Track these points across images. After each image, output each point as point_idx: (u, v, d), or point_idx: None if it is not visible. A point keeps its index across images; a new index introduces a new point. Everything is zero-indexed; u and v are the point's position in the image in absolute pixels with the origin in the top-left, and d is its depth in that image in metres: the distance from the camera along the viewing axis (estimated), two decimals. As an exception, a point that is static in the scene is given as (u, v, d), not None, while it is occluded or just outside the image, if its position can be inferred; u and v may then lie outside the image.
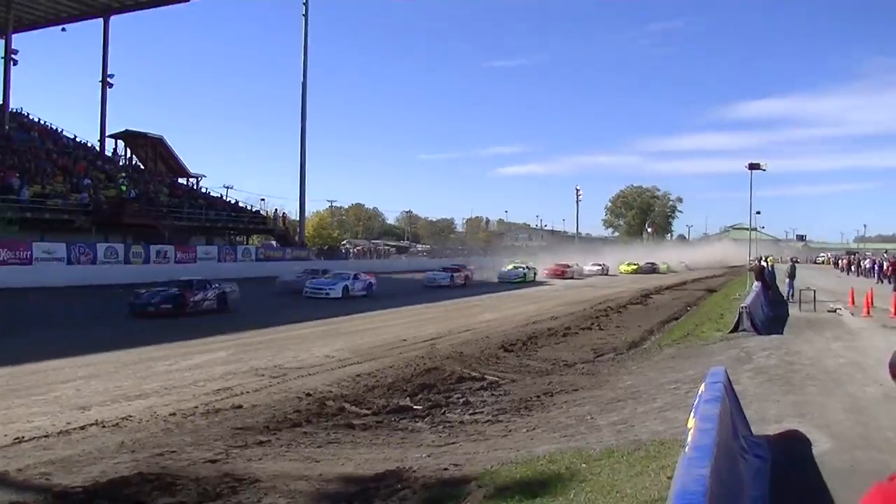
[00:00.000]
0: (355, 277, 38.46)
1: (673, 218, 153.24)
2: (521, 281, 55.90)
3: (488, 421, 11.41)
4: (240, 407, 12.23)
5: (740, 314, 19.67)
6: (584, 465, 7.42)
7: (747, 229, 54.77)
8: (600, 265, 77.32)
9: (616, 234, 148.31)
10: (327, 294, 35.77)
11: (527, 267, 60.33)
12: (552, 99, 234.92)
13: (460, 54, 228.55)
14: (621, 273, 79.62)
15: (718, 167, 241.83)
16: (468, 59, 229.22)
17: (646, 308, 35.44)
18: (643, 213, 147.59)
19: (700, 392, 6.27)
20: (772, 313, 23.94)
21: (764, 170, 35.56)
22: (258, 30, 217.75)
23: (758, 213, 50.82)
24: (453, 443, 9.82)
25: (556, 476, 7.16)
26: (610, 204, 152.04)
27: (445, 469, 8.08)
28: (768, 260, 54.75)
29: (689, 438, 4.57)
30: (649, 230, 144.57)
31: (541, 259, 71.91)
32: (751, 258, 44.29)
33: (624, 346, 20.98)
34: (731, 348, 16.54)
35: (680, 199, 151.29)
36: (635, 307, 35.60)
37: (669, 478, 5.72)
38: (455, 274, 49.99)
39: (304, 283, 38.25)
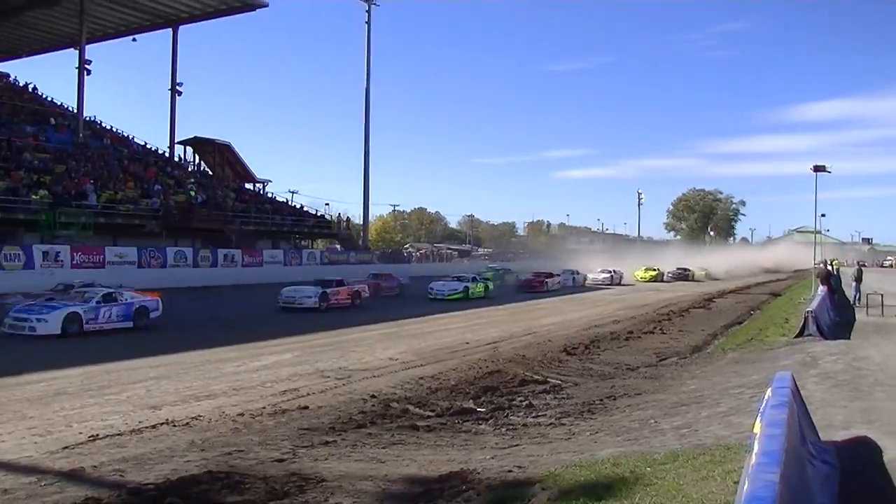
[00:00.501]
0: (108, 299, 23.07)
1: (735, 221, 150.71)
2: (460, 298, 39.29)
3: (551, 424, 11.41)
4: (306, 408, 12.42)
5: (806, 318, 19.32)
6: (648, 468, 7.39)
7: (811, 232, 53.48)
8: (610, 272, 62.70)
9: (678, 237, 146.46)
10: (33, 329, 20.84)
11: (475, 278, 43.42)
12: (614, 102, 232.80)
13: (522, 58, 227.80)
14: (637, 281, 66.16)
15: (782, 169, 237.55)
16: (530, 63, 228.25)
17: (708, 312, 35.03)
18: (705, 217, 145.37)
19: (766, 397, 6.24)
20: (838, 318, 23.47)
21: (829, 172, 34.90)
22: (322, 36, 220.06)
23: (822, 215, 49.50)
24: (516, 445, 9.85)
25: (620, 479, 7.14)
26: (672, 207, 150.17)
27: (509, 471, 8.11)
28: (833, 263, 53.55)
29: (757, 443, 4.58)
30: (711, 233, 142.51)
31: (597, 262, 68.20)
32: (816, 262, 43.46)
33: (687, 350, 20.79)
34: (796, 353, 16.27)
35: (743, 203, 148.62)
36: (698, 311, 35.21)
37: (736, 483, 5.72)
38: (330, 290, 33.03)
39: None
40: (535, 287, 48.73)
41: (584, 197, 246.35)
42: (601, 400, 13.18)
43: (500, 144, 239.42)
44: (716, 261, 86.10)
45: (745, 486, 3.66)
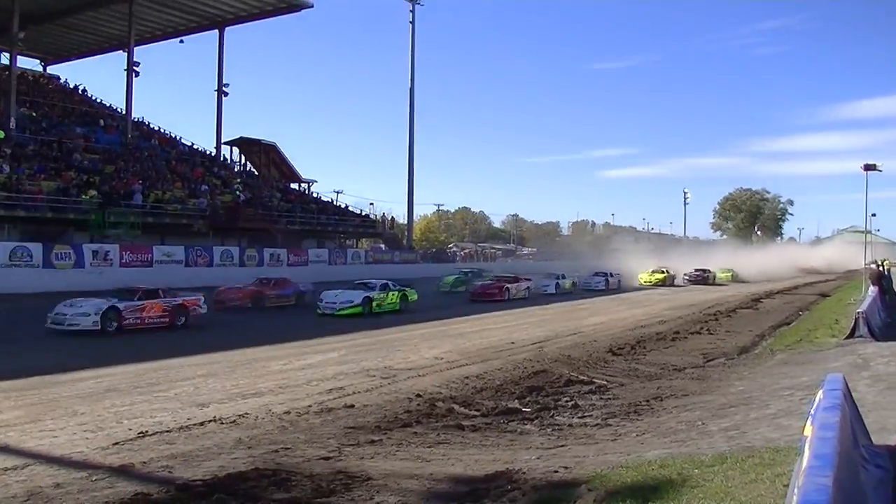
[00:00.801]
0: None
1: (783, 220, 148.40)
2: (357, 312, 29.17)
3: (597, 425, 11.35)
4: (352, 406, 12.48)
5: (856, 319, 19.02)
6: (696, 470, 7.32)
7: (862, 232, 52.31)
8: (605, 275, 52.96)
9: (724, 236, 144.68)
10: None
11: (387, 285, 32.22)
12: (660, 100, 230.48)
13: (566, 56, 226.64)
14: (642, 285, 57.34)
15: (832, 168, 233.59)
16: (574, 61, 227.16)
17: (756, 312, 34.56)
18: (752, 216, 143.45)
19: (818, 399, 6.15)
20: (889, 319, 23.05)
21: (880, 171, 34.29)
22: (366, 35, 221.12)
23: (873, 215, 48.19)
24: (562, 445, 9.80)
25: (667, 481, 7.08)
26: (718, 206, 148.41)
27: (555, 472, 8.06)
28: (885, 264, 52.39)
29: (808, 446, 4.52)
30: (759, 233, 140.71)
31: (640, 262, 63.89)
32: (866, 262, 42.67)
33: (734, 351, 20.53)
34: (846, 355, 16.02)
35: (790, 202, 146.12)
36: (745, 311, 34.75)
37: (786, 486, 5.64)
38: (126, 306, 22.72)
39: None
40: (490, 295, 39.22)
41: (629, 196, 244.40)
42: (647, 401, 13.08)
43: (545, 143, 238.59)
44: (750, 261, 77.28)
45: (797, 490, 3.61)
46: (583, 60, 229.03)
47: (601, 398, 13.72)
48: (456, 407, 12.62)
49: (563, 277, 47.87)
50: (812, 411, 5.89)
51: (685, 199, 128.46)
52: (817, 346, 18.48)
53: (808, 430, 5.10)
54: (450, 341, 21.54)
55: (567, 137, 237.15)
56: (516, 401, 13.23)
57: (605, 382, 15.35)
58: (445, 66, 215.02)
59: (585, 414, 12.30)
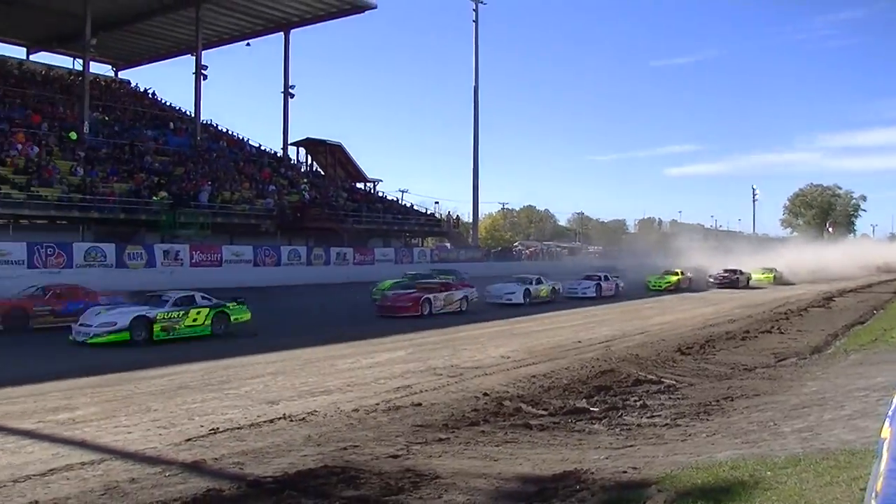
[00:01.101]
0: None
1: (856, 217, 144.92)
2: (122, 339, 19.37)
3: (666, 425, 11.22)
4: (419, 405, 12.55)
5: (935, 319, 18.48)
6: (768, 472, 7.20)
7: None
8: (597, 279, 41.04)
9: (794, 233, 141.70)
10: None
11: (192, 298, 21.68)
12: (726, 95, 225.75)
13: (629, 53, 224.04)
14: (650, 289, 46.08)
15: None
16: (638, 58, 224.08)
17: (828, 311, 33.75)
18: (824, 213, 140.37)
19: (895, 400, 6.02)
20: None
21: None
22: (430, 35, 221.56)
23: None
24: (631, 445, 9.72)
25: (739, 483, 6.98)
26: (788, 203, 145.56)
27: (624, 472, 8.01)
28: None
29: (885, 448, 4.43)
30: (830, 230, 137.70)
31: (704, 260, 56.56)
32: None
33: (807, 351, 20.12)
34: (924, 355, 15.65)
35: (863, 198, 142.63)
36: (817, 310, 33.97)
37: (862, 490, 5.53)
38: None
39: None
40: (402, 310, 28.56)
41: (696, 194, 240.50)
42: (717, 401, 12.88)
43: (610, 141, 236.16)
44: (816, 256, 66.29)
45: (876, 493, 3.55)
46: (647, 56, 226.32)
47: (670, 398, 13.57)
48: (523, 406, 12.61)
49: (539, 282, 37.04)
50: (889, 412, 5.75)
51: (754, 195, 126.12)
52: (893, 346, 18.04)
53: (885, 432, 4.98)
54: (516, 340, 21.51)
55: (632, 135, 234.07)
56: (584, 400, 13.15)
57: (673, 382, 15.19)
58: (509, 65, 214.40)
59: (654, 414, 12.18)
